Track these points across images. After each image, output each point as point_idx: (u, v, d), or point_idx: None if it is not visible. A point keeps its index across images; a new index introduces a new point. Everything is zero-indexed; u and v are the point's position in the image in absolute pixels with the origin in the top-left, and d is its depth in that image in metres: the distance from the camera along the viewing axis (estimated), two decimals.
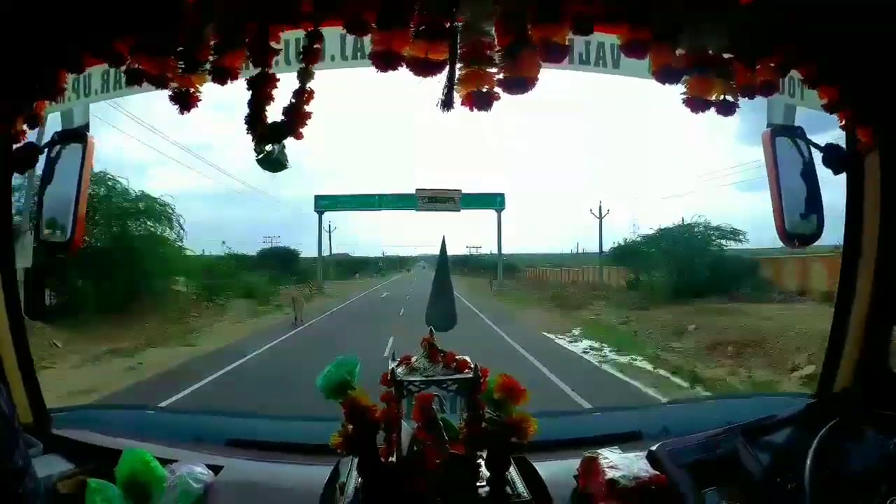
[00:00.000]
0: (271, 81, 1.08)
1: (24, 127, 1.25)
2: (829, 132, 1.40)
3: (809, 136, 1.42)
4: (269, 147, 1.08)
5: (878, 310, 1.42)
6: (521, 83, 0.98)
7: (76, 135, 1.49)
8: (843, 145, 1.38)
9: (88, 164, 1.50)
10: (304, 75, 1.08)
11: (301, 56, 1.09)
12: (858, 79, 1.19)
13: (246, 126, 1.06)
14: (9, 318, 1.45)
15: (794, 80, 1.39)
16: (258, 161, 1.09)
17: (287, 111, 1.07)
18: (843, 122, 1.23)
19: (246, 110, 1.07)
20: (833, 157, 1.36)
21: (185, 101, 1.10)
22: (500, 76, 0.99)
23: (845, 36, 1.15)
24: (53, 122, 1.49)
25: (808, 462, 1.23)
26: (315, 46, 1.07)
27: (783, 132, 1.42)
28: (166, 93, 1.11)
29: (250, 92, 1.07)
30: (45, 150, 1.45)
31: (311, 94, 1.08)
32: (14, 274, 1.51)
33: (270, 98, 1.08)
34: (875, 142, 1.25)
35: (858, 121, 1.21)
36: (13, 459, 0.99)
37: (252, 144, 1.08)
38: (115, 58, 1.10)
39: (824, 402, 1.50)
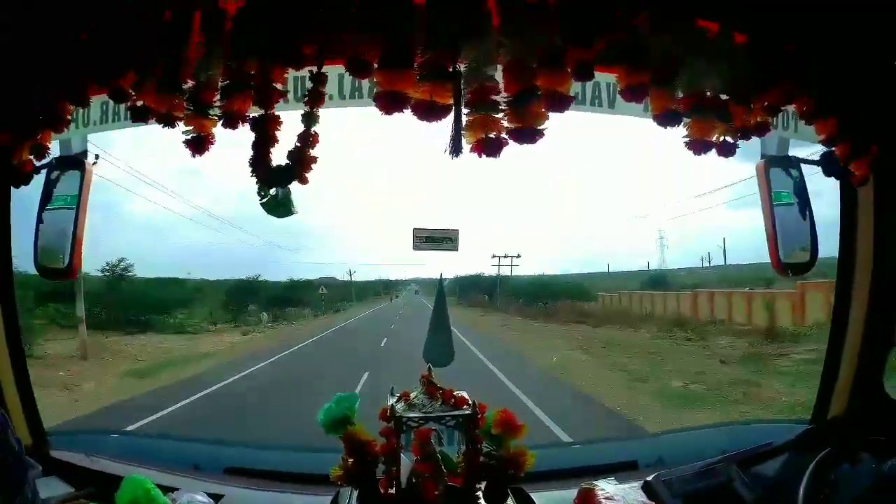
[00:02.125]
0: (275, 122, 1.08)
1: (31, 157, 1.26)
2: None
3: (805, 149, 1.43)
4: (272, 191, 1.07)
5: (872, 336, 1.44)
6: (530, 134, 0.99)
7: (75, 162, 1.50)
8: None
9: (86, 191, 1.51)
10: (309, 119, 1.07)
11: (305, 99, 1.08)
12: (854, 111, 1.21)
13: (250, 170, 1.05)
14: (7, 339, 1.46)
15: (787, 112, 1.40)
16: (263, 206, 1.07)
17: (292, 155, 1.06)
18: (841, 157, 1.24)
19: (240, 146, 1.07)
20: (832, 164, 1.36)
21: (199, 145, 1.10)
22: (510, 125, 1.00)
23: (840, 69, 1.16)
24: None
25: (803, 489, 1.24)
26: (319, 90, 1.07)
27: (777, 163, 1.43)
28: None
29: (254, 134, 1.07)
30: (44, 172, 1.46)
31: (316, 137, 1.07)
32: (13, 293, 1.52)
33: (275, 140, 1.07)
34: (870, 174, 1.27)
35: (855, 155, 1.23)
36: (22, 492, 1.00)
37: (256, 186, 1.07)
38: (120, 93, 1.11)
39: (819, 428, 1.51)
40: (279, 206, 1.07)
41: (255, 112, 1.08)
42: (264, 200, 1.07)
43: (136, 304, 21.22)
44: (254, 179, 1.05)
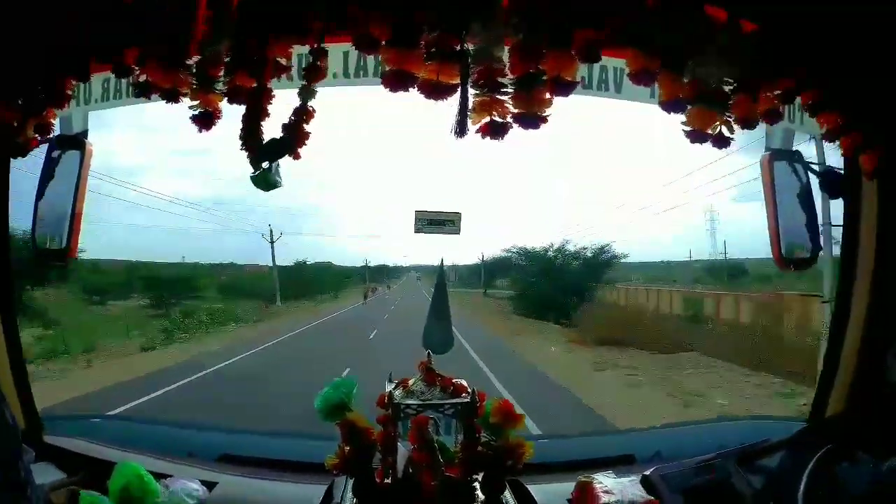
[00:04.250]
0: (267, 96, 1.06)
1: (35, 135, 1.24)
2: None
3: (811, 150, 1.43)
4: (264, 165, 1.05)
5: (872, 333, 1.43)
6: (533, 119, 0.98)
7: (74, 141, 1.48)
8: (842, 168, 1.38)
9: (86, 172, 1.49)
10: (306, 93, 1.06)
11: (303, 73, 1.07)
12: (862, 104, 1.19)
13: (241, 143, 1.03)
14: (2, 322, 1.44)
15: (793, 104, 1.39)
16: (252, 179, 1.05)
17: (286, 129, 1.04)
18: (844, 150, 1.23)
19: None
20: (830, 181, 1.36)
21: (207, 120, 1.09)
22: (514, 110, 0.99)
23: (849, 61, 1.15)
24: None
25: (802, 487, 1.23)
26: (318, 64, 1.05)
27: (781, 156, 1.43)
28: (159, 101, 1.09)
29: (245, 107, 1.05)
30: (42, 150, 1.44)
31: (311, 112, 1.05)
32: (9, 275, 1.50)
33: (266, 113, 1.06)
34: (876, 167, 1.26)
35: (862, 148, 1.21)
36: (17, 471, 0.99)
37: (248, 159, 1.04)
38: (123, 68, 1.09)
39: (818, 426, 1.50)
40: (266, 181, 1.06)
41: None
42: (255, 174, 1.05)
43: None
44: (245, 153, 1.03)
